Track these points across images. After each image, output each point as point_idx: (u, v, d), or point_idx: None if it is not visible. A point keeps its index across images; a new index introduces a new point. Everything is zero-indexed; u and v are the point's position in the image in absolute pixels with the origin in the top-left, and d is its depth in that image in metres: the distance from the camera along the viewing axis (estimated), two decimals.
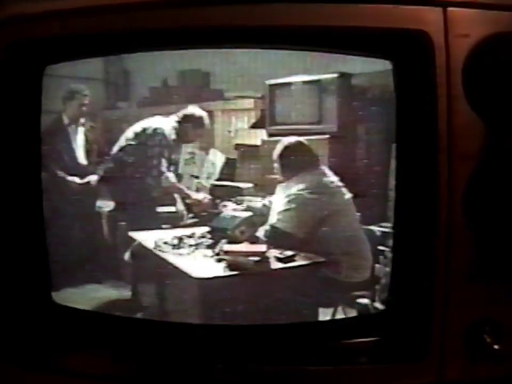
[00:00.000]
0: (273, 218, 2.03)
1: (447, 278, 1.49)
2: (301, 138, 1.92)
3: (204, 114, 2.07)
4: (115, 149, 2.03)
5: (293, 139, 1.94)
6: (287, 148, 1.97)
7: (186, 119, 2.10)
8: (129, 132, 2.05)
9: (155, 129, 2.13)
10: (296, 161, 1.98)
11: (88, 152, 2.03)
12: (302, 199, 2.03)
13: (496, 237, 1.48)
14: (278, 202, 2.04)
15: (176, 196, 2.17)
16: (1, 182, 1.58)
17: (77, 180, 1.97)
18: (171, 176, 2.14)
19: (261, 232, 2.02)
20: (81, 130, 2.04)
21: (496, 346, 1.49)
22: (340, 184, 1.87)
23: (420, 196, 1.50)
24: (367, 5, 1.46)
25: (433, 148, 1.46)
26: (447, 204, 1.47)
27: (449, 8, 1.45)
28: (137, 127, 2.08)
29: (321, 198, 2.04)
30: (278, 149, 1.98)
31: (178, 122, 2.13)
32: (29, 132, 1.60)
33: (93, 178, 1.99)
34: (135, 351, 1.63)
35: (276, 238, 2.00)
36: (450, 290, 1.50)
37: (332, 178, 1.91)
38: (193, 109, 2.04)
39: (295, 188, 2.03)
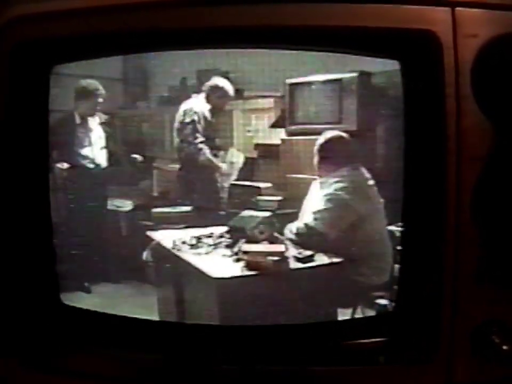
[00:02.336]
0: (308, 217, 1.99)
1: (456, 279, 1.49)
2: (342, 133, 1.91)
3: (226, 84, 2.02)
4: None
5: (334, 133, 1.92)
6: (328, 142, 1.94)
7: (213, 90, 2.07)
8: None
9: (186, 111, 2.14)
10: (335, 155, 1.97)
11: (104, 150, 2.04)
12: (340, 200, 2.01)
13: (505, 238, 1.47)
14: (314, 200, 2.00)
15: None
16: (11, 182, 1.59)
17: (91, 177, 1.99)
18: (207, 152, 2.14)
19: (289, 230, 2.00)
20: (98, 130, 2.04)
21: (504, 347, 1.49)
22: (375, 186, 1.85)
23: (428, 197, 1.50)
24: (375, 5, 1.47)
25: (441, 149, 1.46)
26: (456, 205, 1.46)
27: (458, 8, 1.45)
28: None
29: (359, 199, 2.03)
30: (319, 141, 1.95)
31: (208, 95, 2.11)
32: (36, 131, 1.61)
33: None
34: (146, 353, 1.63)
35: (309, 237, 1.98)
36: (459, 291, 1.49)
37: (369, 181, 1.88)
38: (217, 80, 2.00)
39: (333, 186, 2.01)
